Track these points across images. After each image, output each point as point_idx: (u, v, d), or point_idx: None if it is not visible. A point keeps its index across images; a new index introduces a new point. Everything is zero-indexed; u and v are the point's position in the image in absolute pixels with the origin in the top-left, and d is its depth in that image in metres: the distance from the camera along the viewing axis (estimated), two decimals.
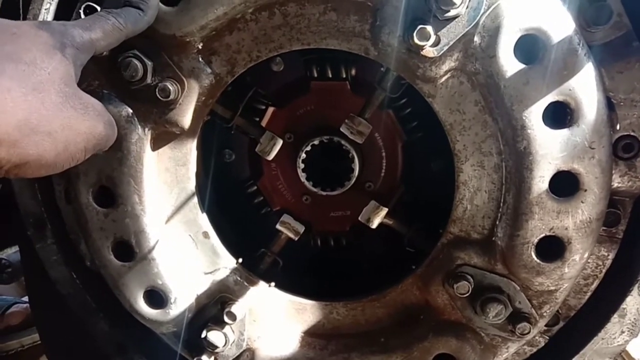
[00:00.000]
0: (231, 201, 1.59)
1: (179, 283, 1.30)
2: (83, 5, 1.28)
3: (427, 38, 1.03)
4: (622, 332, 1.31)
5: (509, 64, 1.05)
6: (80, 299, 1.50)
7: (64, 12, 1.31)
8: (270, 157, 1.37)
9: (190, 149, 1.28)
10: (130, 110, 1.18)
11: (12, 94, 0.73)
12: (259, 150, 1.37)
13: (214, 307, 1.32)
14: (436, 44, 1.04)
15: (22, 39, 0.79)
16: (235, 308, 1.30)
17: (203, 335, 1.29)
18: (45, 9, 1.32)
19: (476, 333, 1.27)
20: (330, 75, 1.49)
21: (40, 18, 1.32)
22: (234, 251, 1.37)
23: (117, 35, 0.98)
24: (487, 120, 1.14)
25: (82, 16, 1.28)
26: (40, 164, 0.78)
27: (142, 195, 1.24)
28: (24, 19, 1.33)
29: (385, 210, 1.37)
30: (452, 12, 1.02)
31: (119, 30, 0.98)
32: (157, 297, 1.31)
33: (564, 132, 1.07)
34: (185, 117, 1.20)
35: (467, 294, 1.21)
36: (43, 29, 0.84)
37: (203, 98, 1.20)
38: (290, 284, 1.42)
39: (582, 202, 1.10)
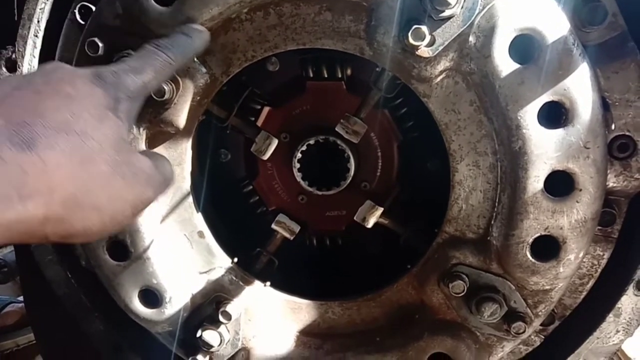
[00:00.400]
0: (227, 201, 1.58)
1: (174, 282, 1.30)
2: (78, 5, 1.28)
3: (422, 38, 1.03)
4: (618, 331, 1.32)
5: (504, 64, 1.05)
6: (76, 299, 1.49)
7: (59, 11, 1.31)
8: (266, 156, 1.37)
9: (185, 149, 1.28)
10: None
11: (61, 170, 0.71)
12: (255, 149, 1.37)
13: (209, 306, 1.32)
14: (431, 44, 1.04)
15: (74, 104, 0.77)
16: (230, 307, 1.30)
17: (198, 335, 1.29)
18: (40, 9, 1.32)
19: (471, 332, 1.27)
20: (326, 75, 1.49)
21: (35, 18, 1.32)
22: (230, 251, 1.37)
23: (168, 71, 0.96)
24: (482, 120, 1.14)
25: (78, 16, 1.28)
26: (86, 235, 0.77)
27: None
28: (19, 18, 1.33)
29: (380, 210, 1.37)
30: (447, 12, 1.01)
31: (170, 65, 0.95)
32: (152, 297, 1.31)
33: (559, 132, 1.07)
34: (180, 116, 1.19)
35: (463, 294, 1.21)
36: (97, 85, 0.81)
37: (198, 98, 1.19)
38: (286, 284, 1.42)
39: (577, 201, 1.10)
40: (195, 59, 1.15)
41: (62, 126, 0.73)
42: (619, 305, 1.28)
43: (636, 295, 1.27)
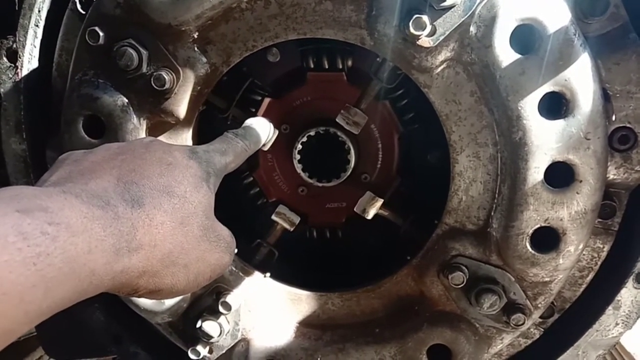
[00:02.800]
0: (227, 192, 1.58)
1: None
2: None
3: (423, 28, 1.02)
4: (617, 324, 1.32)
5: (505, 54, 1.05)
6: None
7: (60, 1, 1.31)
8: (266, 147, 1.37)
9: (185, 139, 1.28)
10: (126, 100, 1.17)
11: (164, 227, 0.78)
12: None
13: (209, 297, 1.33)
14: (432, 33, 1.04)
15: (176, 172, 0.85)
16: (230, 298, 1.30)
17: (198, 325, 1.29)
18: (41, 0, 1.32)
19: (471, 324, 1.28)
20: (327, 66, 1.49)
21: (36, 8, 1.31)
22: None
23: (244, 156, 1.08)
24: (483, 110, 1.14)
25: (78, 6, 1.28)
26: (171, 291, 0.82)
27: None
28: (20, 8, 1.33)
29: (380, 201, 1.37)
30: (448, 2, 1.01)
31: (246, 151, 1.08)
32: None
33: (559, 123, 1.07)
34: (181, 106, 1.19)
35: (462, 285, 1.22)
36: (193, 159, 0.90)
37: (198, 88, 1.19)
38: (286, 275, 1.43)
39: (577, 193, 1.10)
40: (196, 48, 1.15)
41: (166, 189, 0.81)
42: (618, 297, 1.28)
43: (636, 288, 1.27)
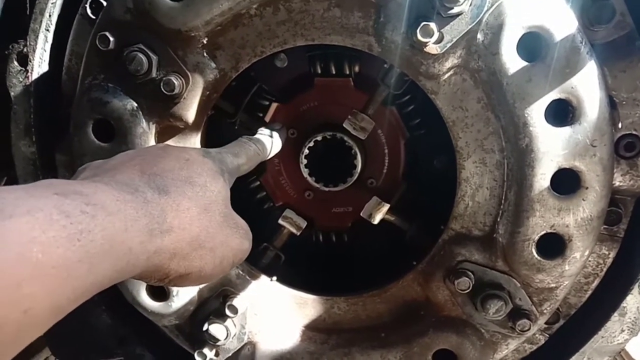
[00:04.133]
0: (234, 196, 1.59)
1: None
2: (89, 0, 1.30)
3: (431, 35, 1.03)
4: (622, 330, 1.31)
5: (512, 62, 1.06)
6: None
7: (70, 6, 1.32)
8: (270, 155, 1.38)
9: (194, 144, 1.29)
10: (135, 104, 1.19)
11: (190, 212, 0.82)
12: None
13: (216, 300, 1.33)
14: (439, 40, 1.05)
15: (194, 165, 0.90)
16: (236, 301, 1.31)
17: (205, 328, 1.30)
18: (52, 3, 1.33)
19: (476, 329, 1.28)
20: (334, 72, 1.50)
21: (47, 12, 1.33)
22: None
23: (257, 160, 1.14)
24: (490, 117, 1.14)
25: (89, 11, 1.30)
26: (200, 275, 0.85)
27: None
28: (31, 12, 1.34)
29: (387, 206, 1.38)
30: (455, 10, 1.02)
31: (258, 155, 1.15)
32: (159, 290, 1.32)
33: (565, 130, 1.07)
34: (190, 111, 1.21)
35: (468, 290, 1.22)
36: (207, 157, 0.96)
37: (207, 93, 1.21)
38: (292, 279, 1.43)
39: (583, 199, 1.10)
40: (205, 54, 1.16)
41: (187, 179, 0.86)
42: (624, 304, 1.28)
43: None
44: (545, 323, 1.33)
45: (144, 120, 1.20)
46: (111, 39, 1.15)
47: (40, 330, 0.59)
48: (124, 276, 0.71)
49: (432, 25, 1.02)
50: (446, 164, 1.47)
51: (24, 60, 1.36)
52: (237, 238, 0.93)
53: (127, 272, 0.71)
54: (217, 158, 0.98)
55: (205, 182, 0.89)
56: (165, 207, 0.78)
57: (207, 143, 1.41)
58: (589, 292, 1.34)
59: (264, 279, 1.39)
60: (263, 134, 1.24)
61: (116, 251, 0.66)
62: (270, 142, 1.23)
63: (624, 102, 1.17)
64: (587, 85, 1.06)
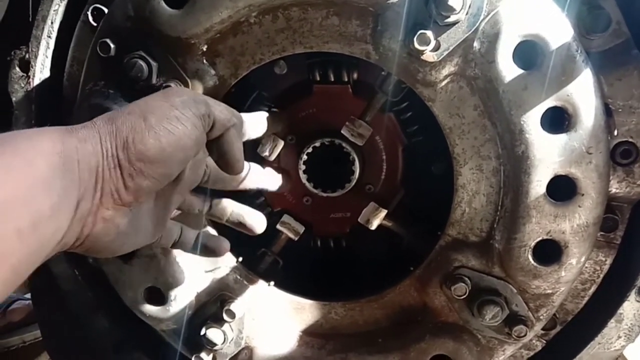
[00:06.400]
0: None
1: (179, 281, 1.32)
2: (91, 7, 1.31)
3: (428, 43, 1.04)
4: (619, 337, 1.32)
5: (508, 70, 1.07)
6: (82, 296, 1.51)
7: (72, 13, 1.34)
8: (272, 157, 1.39)
9: None
10: None
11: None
12: (260, 151, 1.39)
13: (214, 305, 1.34)
14: (436, 48, 1.06)
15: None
16: (234, 306, 1.31)
17: (202, 333, 1.30)
18: (54, 10, 1.35)
19: (473, 335, 1.28)
20: (333, 79, 1.51)
21: (49, 19, 1.34)
22: (234, 250, 1.38)
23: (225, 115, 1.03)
24: (486, 124, 1.15)
25: (90, 18, 1.31)
26: (161, 147, 0.85)
27: None
28: (33, 19, 1.35)
29: (384, 212, 1.38)
30: (452, 18, 1.03)
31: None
32: (157, 295, 1.33)
33: (561, 137, 1.08)
34: None
35: (465, 296, 1.22)
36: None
37: None
38: (290, 284, 1.44)
39: (579, 206, 1.11)
40: (205, 61, 1.18)
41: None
42: (620, 311, 1.29)
43: (638, 301, 1.27)
44: (542, 329, 1.34)
45: None
46: (112, 45, 1.16)
47: None
48: (73, 172, 0.77)
49: (429, 33, 1.04)
50: (443, 170, 1.47)
51: (26, 67, 1.37)
52: (161, 97, 0.92)
53: (72, 169, 0.77)
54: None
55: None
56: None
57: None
58: (586, 299, 1.34)
59: (261, 284, 1.40)
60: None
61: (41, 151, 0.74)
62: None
63: (620, 110, 1.18)
64: (583, 93, 1.07)
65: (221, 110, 0.98)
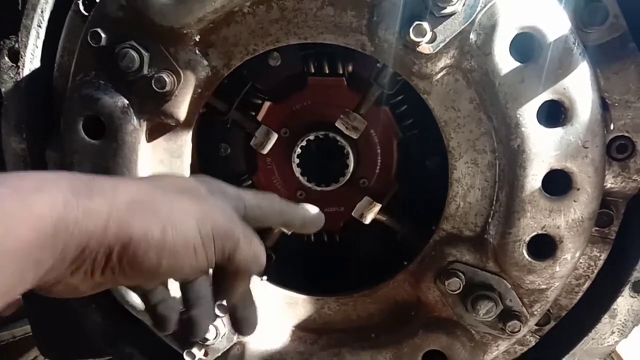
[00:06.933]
0: None
1: None
2: None
3: (423, 34, 1.03)
4: (613, 332, 1.32)
5: (505, 62, 1.06)
6: None
7: (63, 2, 1.31)
8: (265, 150, 1.38)
9: (185, 141, 1.28)
10: (126, 101, 1.18)
11: (126, 181, 0.79)
12: (254, 144, 1.37)
13: None
14: (432, 40, 1.05)
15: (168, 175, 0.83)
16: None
17: None
18: (44, 0, 1.32)
19: (466, 330, 1.28)
20: (327, 71, 1.49)
21: (39, 8, 1.32)
22: None
23: (279, 216, 0.99)
24: (482, 117, 1.14)
25: (81, 8, 1.29)
26: (149, 243, 0.72)
27: None
28: (23, 8, 1.33)
29: (378, 206, 1.38)
30: (448, 9, 1.02)
31: (285, 210, 0.99)
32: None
33: (557, 131, 1.07)
34: (181, 109, 1.20)
35: (458, 291, 1.22)
36: (195, 177, 0.90)
37: (199, 90, 1.20)
38: (283, 278, 1.43)
39: (574, 201, 1.11)
40: (197, 51, 1.16)
41: (147, 177, 0.81)
42: (614, 306, 1.28)
43: (632, 296, 1.27)
44: (536, 324, 1.33)
45: (134, 118, 1.19)
46: (103, 35, 1.14)
47: None
48: (59, 245, 0.64)
49: (425, 24, 1.02)
50: (438, 164, 1.47)
51: (16, 57, 1.35)
52: (195, 198, 0.78)
53: (59, 240, 0.64)
54: (207, 180, 0.88)
55: (165, 177, 0.82)
56: (96, 177, 0.71)
57: (198, 142, 1.41)
58: (580, 294, 1.34)
59: (254, 278, 1.38)
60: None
61: (33, 211, 0.61)
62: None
63: (616, 104, 1.17)
64: (580, 87, 1.06)
65: (248, 252, 0.84)
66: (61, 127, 1.23)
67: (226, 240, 0.79)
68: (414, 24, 1.02)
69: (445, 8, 1.01)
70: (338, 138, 1.39)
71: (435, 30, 1.04)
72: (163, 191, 0.77)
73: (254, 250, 0.84)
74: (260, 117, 1.48)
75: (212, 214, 0.78)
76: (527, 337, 1.39)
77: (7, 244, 0.59)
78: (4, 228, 0.59)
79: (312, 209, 1.05)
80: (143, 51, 1.13)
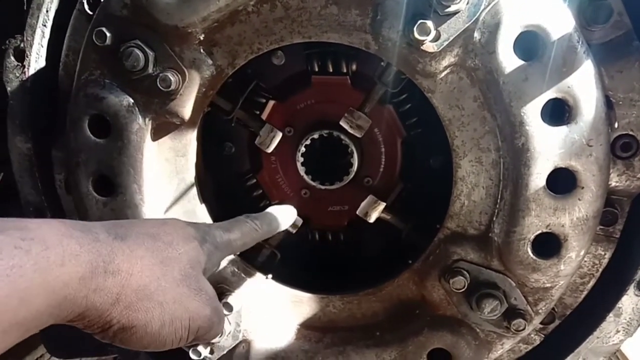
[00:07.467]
0: (230, 193, 1.59)
1: None
2: None
3: (428, 33, 1.03)
4: (618, 331, 1.32)
5: (509, 60, 1.06)
6: None
7: (68, 1, 1.32)
8: (270, 149, 1.38)
9: (190, 140, 1.29)
10: (131, 100, 1.18)
11: (143, 261, 0.79)
12: (259, 142, 1.38)
13: None
14: (436, 39, 1.05)
15: (168, 227, 0.88)
16: (232, 299, 1.31)
17: None
18: (49, 0, 1.33)
19: (471, 329, 1.28)
20: (331, 70, 1.49)
21: (44, 8, 1.33)
22: None
23: (254, 235, 1.08)
24: (486, 116, 1.14)
25: (86, 7, 1.29)
26: (146, 331, 0.79)
27: (142, 184, 1.24)
28: (28, 8, 1.34)
29: (383, 205, 1.38)
30: (452, 8, 1.02)
31: (255, 231, 1.08)
32: None
33: (562, 129, 1.07)
34: (186, 107, 1.20)
35: (463, 289, 1.22)
36: (191, 225, 0.94)
37: (204, 89, 1.20)
38: (288, 277, 1.43)
39: (579, 199, 1.10)
40: (202, 50, 1.16)
41: (153, 234, 0.85)
42: (619, 305, 1.28)
43: (637, 295, 1.27)
44: (541, 323, 1.33)
45: (140, 117, 1.20)
46: (108, 34, 1.15)
47: None
48: (63, 313, 0.69)
49: (429, 23, 1.02)
50: (442, 162, 1.47)
51: (21, 56, 1.35)
52: (197, 301, 0.86)
53: (65, 308, 0.69)
54: (201, 228, 0.95)
55: (172, 240, 0.86)
56: (116, 249, 0.76)
57: (203, 141, 1.41)
58: (585, 293, 1.34)
59: (259, 277, 1.39)
60: (267, 212, 1.19)
61: (50, 286, 0.65)
62: (275, 219, 1.17)
63: (621, 102, 1.16)
64: (584, 85, 1.06)
65: (212, 335, 0.94)
66: (66, 126, 1.24)
67: (204, 333, 0.89)
68: (418, 22, 1.02)
69: (449, 6, 1.01)
70: (342, 137, 1.39)
71: (439, 28, 1.04)
72: (171, 276, 0.83)
73: (218, 331, 0.95)
74: (264, 116, 1.49)
75: (203, 310, 0.87)
76: (532, 335, 1.39)
77: (20, 315, 0.64)
78: (20, 298, 0.63)
79: (280, 212, 1.19)
80: (148, 50, 1.14)
